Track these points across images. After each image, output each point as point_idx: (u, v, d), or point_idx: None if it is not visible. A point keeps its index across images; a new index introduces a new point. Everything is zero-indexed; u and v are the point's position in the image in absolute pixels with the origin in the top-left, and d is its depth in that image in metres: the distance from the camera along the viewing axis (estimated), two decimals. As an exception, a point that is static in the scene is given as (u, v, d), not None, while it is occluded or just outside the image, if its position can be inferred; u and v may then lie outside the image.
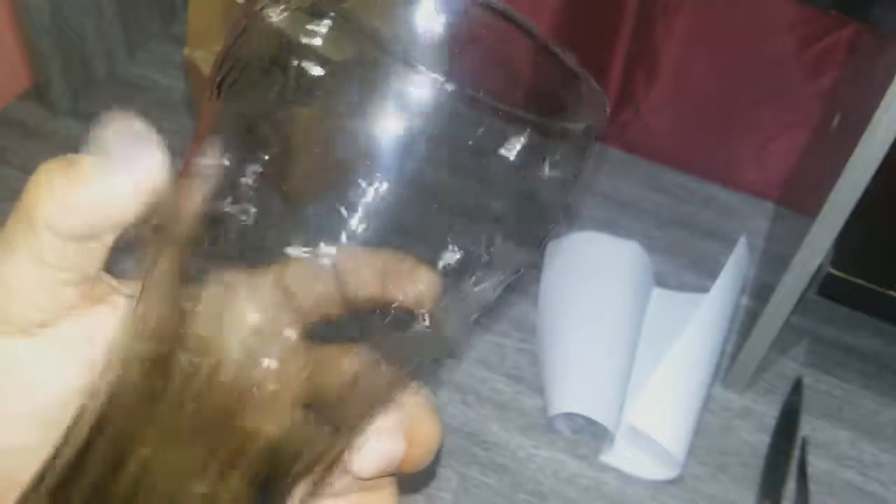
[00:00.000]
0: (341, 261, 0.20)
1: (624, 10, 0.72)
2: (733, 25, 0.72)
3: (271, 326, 0.21)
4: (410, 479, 0.54)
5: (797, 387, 0.61)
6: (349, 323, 0.21)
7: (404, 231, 0.20)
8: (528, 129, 0.20)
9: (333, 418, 0.22)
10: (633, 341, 0.60)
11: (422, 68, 0.19)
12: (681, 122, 0.77)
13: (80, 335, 0.22)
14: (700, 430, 0.58)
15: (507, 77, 0.22)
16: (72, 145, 0.20)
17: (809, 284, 0.54)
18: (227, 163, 0.20)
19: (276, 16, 0.20)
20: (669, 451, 0.55)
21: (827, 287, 0.59)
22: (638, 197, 0.74)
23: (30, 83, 0.74)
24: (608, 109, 0.22)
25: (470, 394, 0.59)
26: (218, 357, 0.20)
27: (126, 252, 0.22)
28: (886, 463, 0.58)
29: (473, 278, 0.21)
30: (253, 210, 0.20)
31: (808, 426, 0.60)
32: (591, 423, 0.56)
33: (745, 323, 0.63)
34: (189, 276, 0.21)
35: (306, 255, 0.20)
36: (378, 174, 0.19)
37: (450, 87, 0.19)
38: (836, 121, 0.59)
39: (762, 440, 0.59)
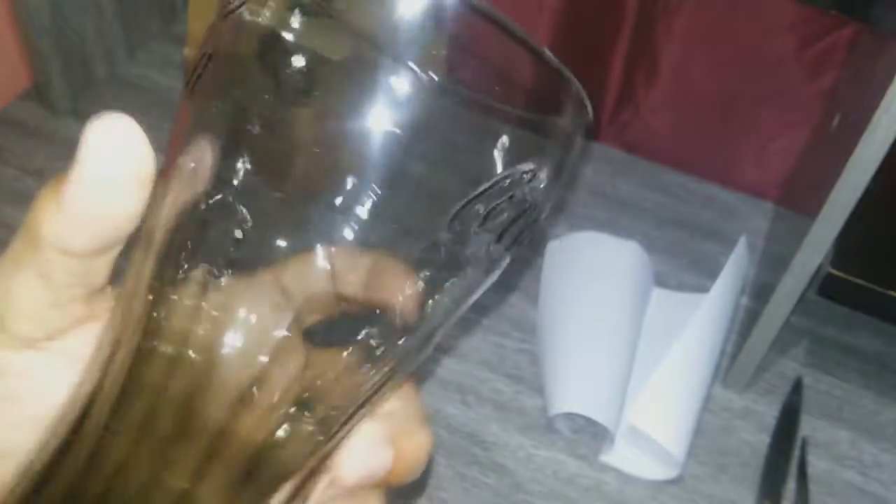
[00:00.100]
0: (339, 261, 0.20)
1: (624, 10, 0.72)
2: (733, 25, 0.71)
3: (266, 326, 0.21)
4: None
5: (797, 387, 0.61)
6: (341, 324, 0.21)
7: (392, 230, 0.20)
8: (514, 127, 0.20)
9: (322, 420, 0.22)
10: (633, 341, 0.60)
11: (410, 65, 0.19)
12: (681, 122, 0.77)
13: (87, 348, 0.22)
14: (700, 430, 0.58)
15: (490, 76, 0.22)
16: (72, 145, 0.20)
17: (809, 284, 0.54)
18: (212, 163, 0.20)
19: (257, 13, 0.20)
20: (669, 451, 0.55)
21: (827, 287, 0.58)
22: (638, 197, 0.74)
23: (30, 83, 0.74)
24: (590, 108, 0.22)
25: (470, 394, 0.59)
26: (206, 356, 0.20)
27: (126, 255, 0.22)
28: (886, 463, 0.58)
29: (458, 277, 0.21)
30: (240, 209, 0.20)
31: (808, 426, 0.60)
32: (591, 423, 0.56)
33: (745, 323, 0.63)
34: (170, 276, 0.21)
35: (304, 254, 0.20)
36: (367, 172, 0.19)
37: (438, 83, 0.19)
38: (836, 121, 0.59)
39: (762, 440, 0.59)
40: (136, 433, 0.20)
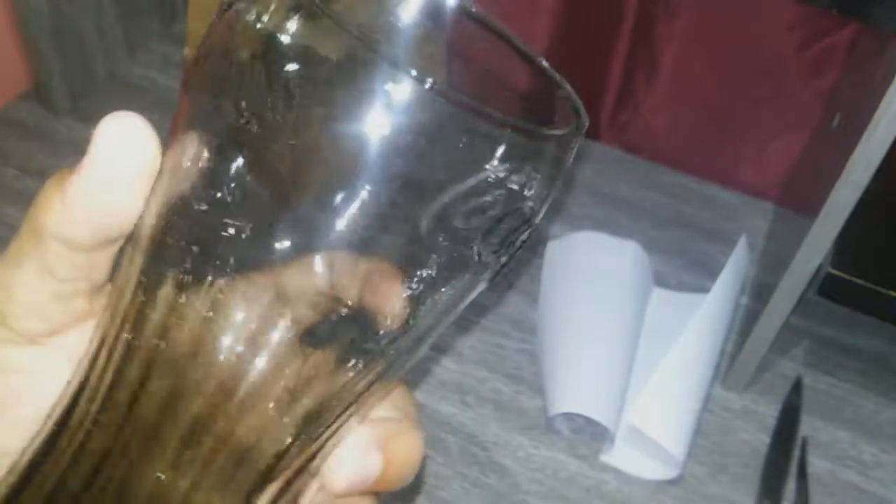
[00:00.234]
0: (337, 265, 0.20)
1: (624, 10, 0.72)
2: (733, 25, 0.72)
3: (257, 327, 0.20)
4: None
5: (797, 387, 0.61)
6: (332, 325, 0.21)
7: (386, 232, 0.20)
8: (509, 133, 0.20)
9: (309, 418, 0.22)
10: (632, 341, 0.60)
11: (407, 68, 0.19)
12: (681, 122, 0.77)
13: (84, 342, 0.22)
14: (700, 430, 0.58)
15: (486, 83, 0.22)
16: (72, 145, 0.20)
17: (809, 284, 0.54)
18: (205, 162, 0.20)
19: (255, 13, 0.20)
20: (669, 451, 0.55)
21: (827, 287, 0.59)
22: (638, 197, 0.74)
23: (30, 83, 0.74)
24: (586, 117, 0.22)
25: (470, 394, 0.59)
26: (193, 353, 0.20)
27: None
28: (886, 463, 0.58)
29: (451, 281, 0.21)
30: (231, 208, 0.20)
31: (808, 426, 0.60)
32: (591, 423, 0.56)
33: (745, 323, 0.63)
34: (158, 272, 0.21)
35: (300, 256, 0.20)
36: (361, 174, 0.19)
37: (433, 88, 0.19)
38: (836, 121, 0.59)
39: (762, 440, 0.59)
40: (120, 428, 0.20)
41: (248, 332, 0.20)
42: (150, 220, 0.21)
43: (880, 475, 0.57)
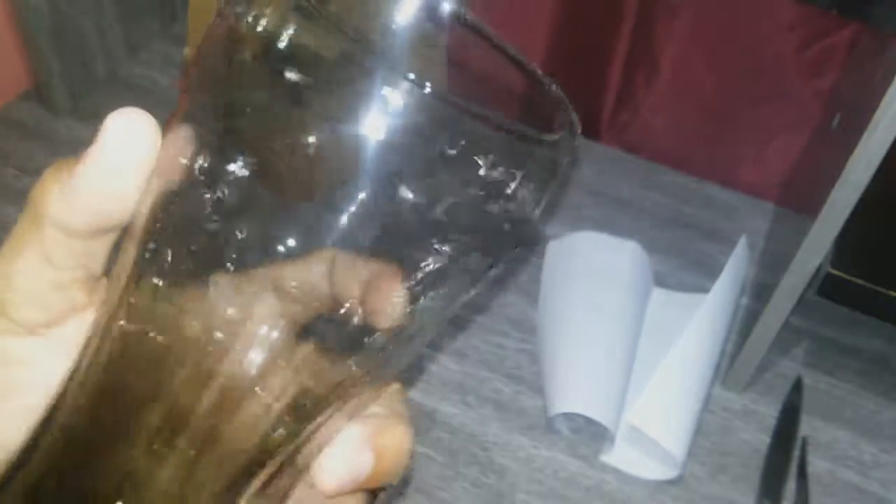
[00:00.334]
0: (338, 265, 0.20)
1: (624, 10, 0.72)
2: (733, 25, 0.72)
3: (251, 322, 0.21)
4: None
5: (797, 387, 0.61)
6: (330, 324, 0.21)
7: (380, 233, 0.20)
8: (503, 139, 0.20)
9: (296, 411, 0.22)
10: (632, 341, 0.60)
11: (402, 72, 0.19)
12: (681, 122, 0.77)
13: (82, 333, 0.22)
14: (700, 430, 0.58)
15: (480, 90, 0.22)
16: (72, 145, 0.21)
17: (809, 284, 0.54)
18: (202, 160, 0.20)
19: (254, 13, 0.20)
20: (669, 451, 0.55)
21: (827, 287, 0.59)
22: (638, 197, 0.74)
23: (30, 83, 0.74)
24: (578, 123, 0.22)
25: (470, 394, 0.59)
26: (182, 344, 0.20)
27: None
28: (886, 463, 0.58)
29: (444, 284, 0.21)
30: (228, 206, 0.20)
31: (808, 426, 0.60)
32: (591, 423, 0.56)
33: (745, 323, 0.63)
34: (151, 264, 0.21)
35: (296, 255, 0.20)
36: (356, 175, 0.19)
37: (428, 91, 0.19)
38: (836, 121, 0.59)
39: (762, 440, 0.59)
40: (106, 417, 0.21)
41: (240, 326, 0.20)
42: (146, 213, 0.21)
43: (880, 475, 0.58)
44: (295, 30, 0.20)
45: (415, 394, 0.58)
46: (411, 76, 0.19)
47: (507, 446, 0.57)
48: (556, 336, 0.60)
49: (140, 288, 0.21)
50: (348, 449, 0.23)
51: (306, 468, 0.23)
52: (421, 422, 0.57)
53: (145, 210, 0.21)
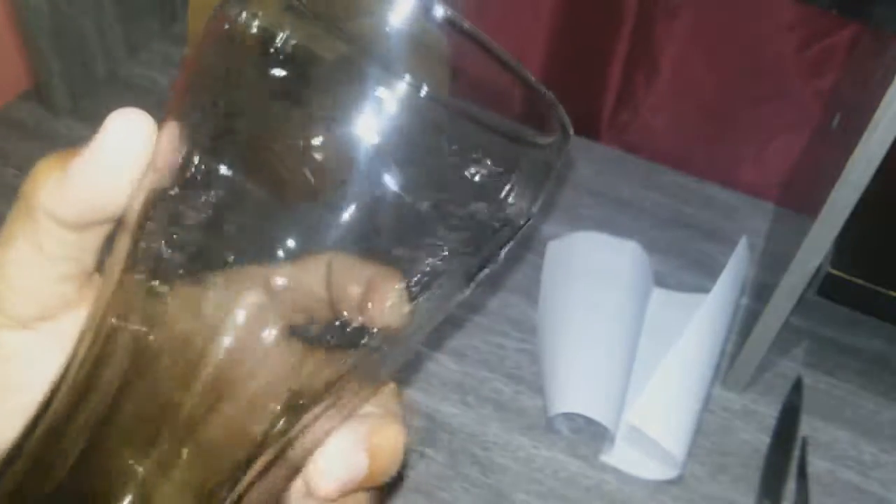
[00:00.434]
0: (335, 268, 0.20)
1: (624, 10, 0.72)
2: (733, 25, 0.72)
3: (244, 324, 0.21)
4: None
5: (797, 387, 0.61)
6: (324, 324, 0.21)
7: (373, 235, 0.20)
8: (497, 139, 0.20)
9: (291, 414, 0.22)
10: (632, 341, 0.60)
11: (397, 72, 0.19)
12: (681, 122, 0.77)
13: (75, 330, 0.22)
14: (700, 430, 0.58)
15: (474, 94, 0.22)
16: (72, 145, 0.21)
17: (809, 284, 0.54)
18: (195, 160, 0.20)
19: (248, 15, 0.20)
20: (669, 451, 0.55)
21: (827, 287, 0.59)
22: (638, 197, 0.74)
23: (30, 83, 0.74)
24: (570, 127, 0.22)
25: (470, 394, 0.59)
26: (179, 347, 0.20)
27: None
28: (886, 463, 0.58)
29: (437, 285, 0.21)
30: (220, 204, 0.20)
31: (808, 426, 0.60)
32: (591, 423, 0.56)
33: (745, 323, 0.63)
34: (143, 261, 0.21)
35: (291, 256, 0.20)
36: (349, 176, 0.19)
37: (423, 92, 0.19)
38: (836, 121, 0.59)
39: (762, 440, 0.59)
40: (96, 414, 0.21)
41: (234, 325, 0.20)
42: (139, 210, 0.21)
43: (880, 475, 0.58)
44: (289, 30, 0.20)
45: (415, 394, 0.58)
46: (407, 78, 0.19)
47: (507, 446, 0.57)
48: (556, 336, 0.60)
49: (133, 286, 0.21)
50: (343, 450, 0.23)
51: (299, 467, 0.23)
52: (419, 422, 0.57)
53: (139, 207, 0.21)
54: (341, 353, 0.22)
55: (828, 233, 0.49)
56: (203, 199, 0.20)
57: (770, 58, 0.71)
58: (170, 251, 0.20)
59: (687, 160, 0.77)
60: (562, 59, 0.77)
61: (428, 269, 0.21)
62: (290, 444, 0.22)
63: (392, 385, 0.26)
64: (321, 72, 0.20)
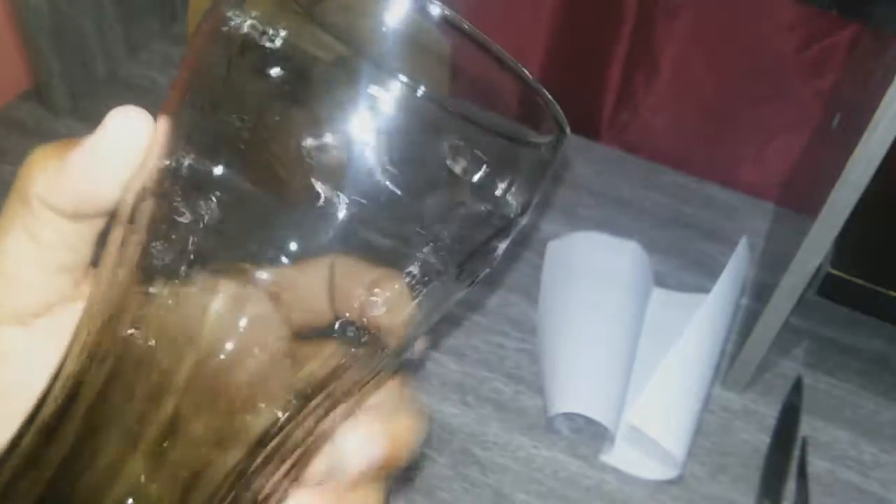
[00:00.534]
0: (338, 269, 0.20)
1: (624, 10, 0.72)
2: (733, 25, 0.72)
3: (246, 330, 0.20)
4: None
5: (797, 387, 0.61)
6: (329, 329, 0.21)
7: (369, 237, 0.20)
8: (493, 138, 0.20)
9: (293, 414, 0.22)
10: (632, 341, 0.60)
11: (393, 72, 0.19)
12: (681, 122, 0.77)
13: (72, 326, 0.22)
14: (700, 430, 0.58)
15: (471, 92, 0.22)
16: None
17: (809, 284, 0.54)
18: (189, 160, 0.20)
19: (242, 15, 0.20)
20: (669, 452, 0.55)
21: (827, 287, 0.59)
22: (638, 197, 0.74)
23: (30, 83, 0.74)
24: (566, 127, 0.22)
25: (470, 394, 0.59)
26: (174, 349, 0.20)
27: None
28: (886, 463, 0.58)
29: (433, 287, 0.21)
30: (216, 206, 0.20)
31: (808, 426, 0.60)
32: (591, 423, 0.56)
33: (745, 323, 0.63)
34: (140, 262, 0.21)
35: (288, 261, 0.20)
36: (346, 177, 0.19)
37: (420, 92, 0.19)
38: (836, 121, 0.59)
39: (762, 440, 0.59)
40: (88, 415, 0.20)
41: (231, 327, 0.20)
42: (132, 207, 0.21)
43: (880, 475, 0.57)
44: (283, 30, 0.20)
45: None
46: (404, 78, 0.19)
47: (507, 446, 0.57)
48: (556, 336, 0.60)
49: (126, 284, 0.21)
50: (362, 437, 0.23)
51: (298, 466, 0.23)
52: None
53: (133, 204, 0.21)
54: (342, 353, 0.22)
55: (828, 233, 0.49)
56: (196, 198, 0.20)
57: (770, 58, 0.71)
58: (164, 250, 0.20)
59: (687, 160, 0.77)
60: (561, 59, 0.77)
61: (426, 268, 0.21)
62: (288, 444, 0.22)
63: (401, 376, 0.26)
64: (317, 72, 0.20)
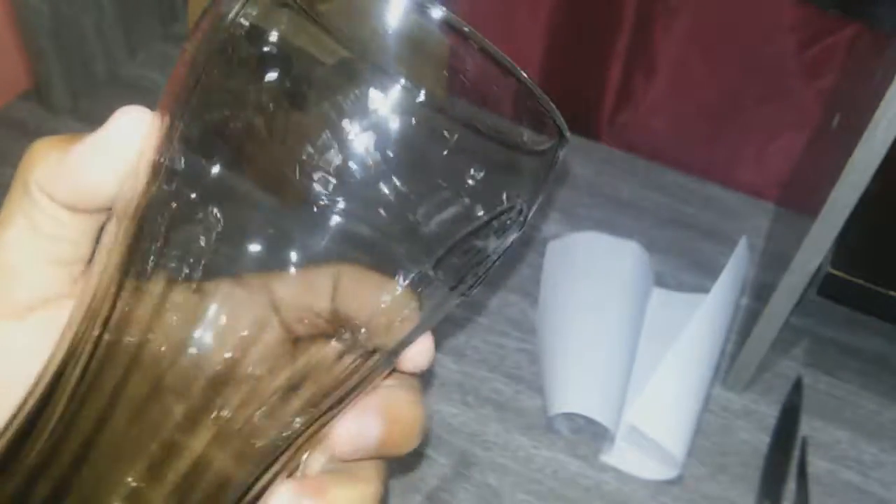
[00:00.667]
0: (343, 277, 0.20)
1: (623, 9, 0.72)
2: (733, 25, 0.72)
3: (244, 335, 0.20)
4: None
5: (797, 387, 0.61)
6: (330, 335, 0.21)
7: (368, 240, 0.20)
8: (493, 145, 0.20)
9: (292, 413, 0.22)
10: (632, 341, 0.60)
11: (393, 75, 0.19)
12: (681, 122, 0.77)
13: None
14: (700, 430, 0.58)
15: (470, 95, 0.22)
16: None
17: (809, 284, 0.54)
18: (185, 159, 0.20)
19: (241, 15, 0.20)
20: (669, 451, 0.55)
21: (827, 287, 0.58)
22: (638, 197, 0.74)
23: (30, 83, 0.74)
24: (566, 132, 0.22)
25: (470, 394, 0.59)
26: (168, 354, 0.20)
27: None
28: (886, 463, 0.58)
29: (430, 290, 0.21)
30: (214, 209, 0.20)
31: (808, 426, 0.60)
32: (591, 423, 0.56)
33: (745, 323, 0.63)
34: (138, 265, 0.21)
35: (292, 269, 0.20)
36: (344, 180, 0.19)
37: (420, 97, 0.19)
38: (836, 121, 0.59)
39: (762, 440, 0.59)
40: (91, 418, 0.20)
41: (231, 333, 0.20)
42: (130, 206, 0.21)
43: (880, 475, 0.57)
44: (281, 30, 0.19)
45: (415, 394, 0.58)
46: (404, 82, 0.19)
47: (506, 446, 0.57)
48: (556, 336, 0.60)
49: (119, 284, 0.21)
50: (358, 413, 0.23)
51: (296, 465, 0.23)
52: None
53: (131, 203, 0.21)
54: (340, 358, 0.22)
55: (828, 233, 0.49)
56: (192, 198, 0.20)
57: (770, 58, 0.71)
58: (158, 249, 0.20)
59: (687, 160, 0.77)
60: (561, 59, 0.77)
61: (425, 273, 0.21)
62: (283, 446, 0.22)
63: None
64: (315, 72, 0.20)
